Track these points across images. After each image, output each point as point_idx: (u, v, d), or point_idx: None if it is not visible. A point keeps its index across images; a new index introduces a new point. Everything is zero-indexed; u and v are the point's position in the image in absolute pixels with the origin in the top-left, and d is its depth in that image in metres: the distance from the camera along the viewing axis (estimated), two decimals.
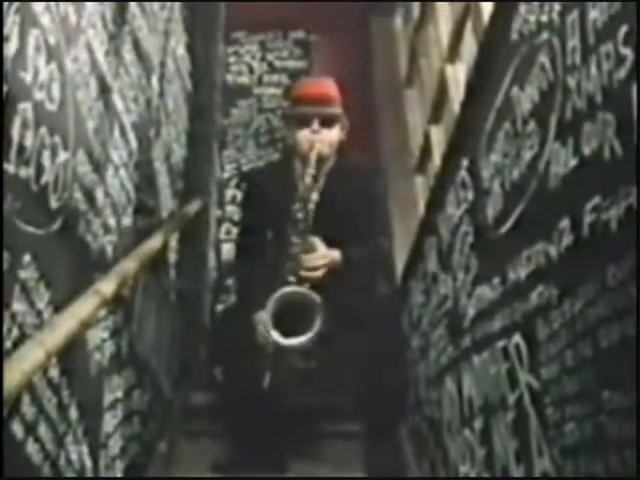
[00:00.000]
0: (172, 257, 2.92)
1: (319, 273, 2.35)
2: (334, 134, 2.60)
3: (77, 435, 1.62)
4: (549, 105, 1.13)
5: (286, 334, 2.23)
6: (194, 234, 3.41)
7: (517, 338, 1.28)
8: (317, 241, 2.40)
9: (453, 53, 2.78)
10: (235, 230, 3.76)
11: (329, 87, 2.66)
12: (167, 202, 2.84)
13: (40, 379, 1.40)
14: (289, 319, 2.24)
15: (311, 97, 2.59)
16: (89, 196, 1.73)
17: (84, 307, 1.56)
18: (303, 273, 2.32)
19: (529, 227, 1.24)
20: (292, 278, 2.32)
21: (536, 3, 1.22)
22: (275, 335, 2.22)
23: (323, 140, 2.53)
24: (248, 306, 2.42)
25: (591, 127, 0.96)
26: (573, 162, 1.03)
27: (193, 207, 3.21)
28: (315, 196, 2.44)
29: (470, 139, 1.66)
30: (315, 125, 2.54)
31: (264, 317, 2.31)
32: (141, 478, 2.26)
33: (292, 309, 2.24)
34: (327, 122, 2.57)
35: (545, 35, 1.17)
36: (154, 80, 2.59)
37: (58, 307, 1.48)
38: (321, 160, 2.49)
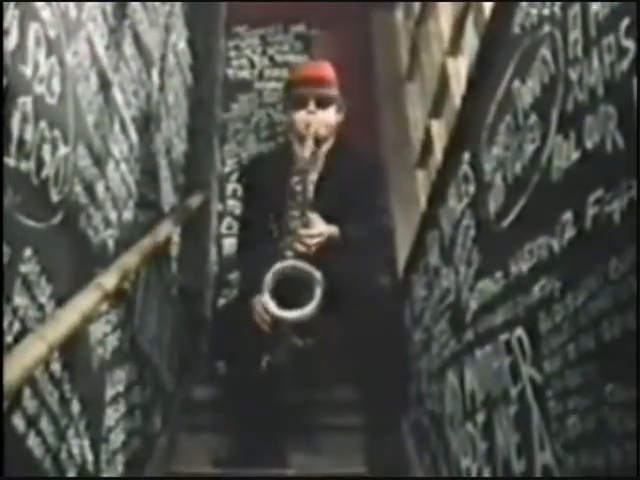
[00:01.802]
0: (174, 251, 2.91)
1: (314, 248, 2.35)
2: (330, 115, 2.62)
3: (79, 429, 1.62)
4: (551, 98, 1.13)
5: (286, 308, 2.24)
6: (195, 228, 3.41)
7: (519, 331, 1.28)
8: (315, 217, 2.41)
9: (454, 47, 2.78)
10: (236, 224, 3.76)
11: (326, 69, 2.69)
12: (168, 196, 2.83)
13: (42, 373, 1.40)
14: (288, 293, 2.24)
15: (308, 79, 2.64)
16: (90, 190, 1.73)
17: (86, 301, 1.56)
18: (299, 247, 2.33)
19: (531, 220, 1.24)
20: (289, 253, 2.33)
21: None
22: (273, 307, 2.22)
23: (319, 120, 2.55)
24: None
25: (593, 120, 0.96)
26: (575, 155, 1.02)
27: (194, 201, 3.20)
28: (314, 175, 2.45)
29: (471, 133, 1.65)
30: (311, 106, 2.57)
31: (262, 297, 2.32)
32: (141, 478, 2.26)
33: (291, 283, 2.25)
34: (323, 103, 2.61)
35: (547, 28, 1.17)
36: (154, 74, 2.59)
37: (60, 301, 1.48)
38: (319, 140, 2.52)
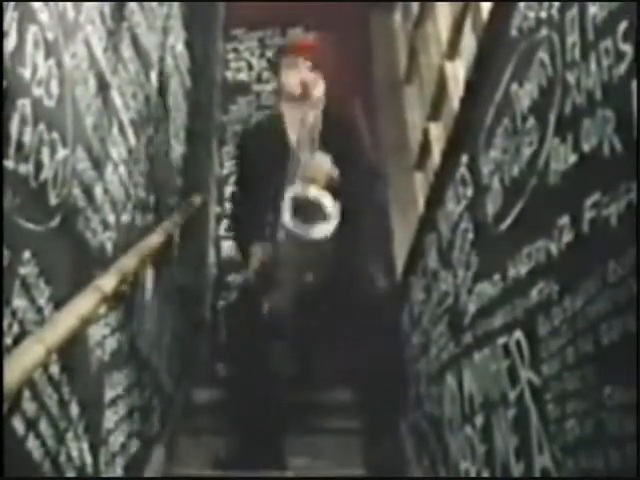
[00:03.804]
0: (172, 254, 2.91)
1: (322, 182, 2.38)
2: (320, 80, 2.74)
3: (78, 431, 1.62)
4: (548, 101, 1.13)
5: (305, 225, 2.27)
6: (194, 231, 3.41)
7: (518, 334, 1.28)
8: (323, 156, 2.45)
9: (452, 50, 2.78)
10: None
11: (316, 42, 2.96)
12: (166, 199, 2.83)
13: (41, 375, 1.40)
14: (303, 217, 2.27)
15: (301, 47, 2.85)
16: (88, 193, 1.72)
17: (84, 304, 1.56)
18: (308, 176, 2.37)
19: (529, 224, 1.24)
20: (299, 184, 2.37)
21: None
22: (292, 225, 2.24)
23: (313, 80, 2.69)
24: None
25: (590, 123, 0.96)
26: (573, 158, 1.03)
27: (193, 204, 3.20)
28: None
29: (469, 136, 1.66)
30: (304, 68, 2.73)
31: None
32: (141, 478, 2.26)
33: (305, 208, 2.29)
34: (315, 67, 2.76)
35: (544, 31, 1.17)
36: (153, 77, 2.59)
37: (58, 303, 1.48)
38: (311, 128, 2.59)
